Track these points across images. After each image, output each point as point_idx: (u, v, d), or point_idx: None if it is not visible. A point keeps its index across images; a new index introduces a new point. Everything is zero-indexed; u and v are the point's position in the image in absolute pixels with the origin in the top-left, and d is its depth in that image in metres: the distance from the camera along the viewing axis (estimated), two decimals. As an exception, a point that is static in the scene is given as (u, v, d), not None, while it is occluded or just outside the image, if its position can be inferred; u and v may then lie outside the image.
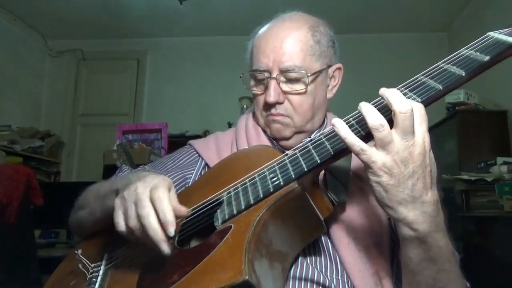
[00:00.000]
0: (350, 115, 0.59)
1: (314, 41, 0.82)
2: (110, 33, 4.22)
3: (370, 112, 0.52)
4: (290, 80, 0.81)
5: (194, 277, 0.53)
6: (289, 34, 0.81)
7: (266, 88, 0.81)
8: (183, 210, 0.59)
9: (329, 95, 0.89)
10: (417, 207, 0.53)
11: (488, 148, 2.76)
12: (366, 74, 3.73)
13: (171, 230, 0.56)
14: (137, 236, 0.59)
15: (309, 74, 0.80)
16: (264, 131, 0.88)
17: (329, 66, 0.85)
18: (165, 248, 0.56)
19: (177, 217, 0.58)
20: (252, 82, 0.86)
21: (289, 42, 0.80)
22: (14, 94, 3.88)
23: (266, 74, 0.81)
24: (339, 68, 0.89)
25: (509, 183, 2.15)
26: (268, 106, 0.82)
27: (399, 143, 0.51)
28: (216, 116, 3.92)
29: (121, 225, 0.60)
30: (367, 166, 0.53)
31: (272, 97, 0.80)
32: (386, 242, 0.71)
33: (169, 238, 0.56)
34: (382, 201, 0.54)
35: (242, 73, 0.87)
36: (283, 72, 0.80)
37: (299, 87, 0.81)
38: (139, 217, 0.57)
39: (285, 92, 0.81)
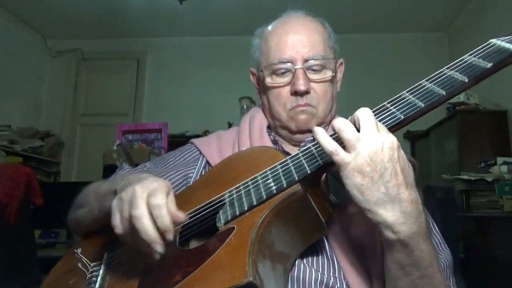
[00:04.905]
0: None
1: (327, 34, 0.86)
2: (110, 33, 4.22)
3: (335, 120, 0.56)
4: (314, 70, 0.82)
5: (197, 278, 0.53)
6: (308, 26, 0.84)
7: (293, 78, 0.81)
8: (181, 216, 0.58)
9: (338, 89, 0.91)
10: (395, 207, 0.52)
11: (488, 148, 2.76)
12: (366, 74, 3.73)
13: (170, 237, 0.55)
14: (129, 238, 0.58)
15: (334, 60, 0.83)
16: (269, 133, 0.87)
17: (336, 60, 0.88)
18: (159, 248, 0.55)
19: (175, 223, 0.57)
20: (271, 77, 0.84)
21: (310, 33, 0.82)
22: (14, 94, 3.88)
23: (290, 65, 0.81)
24: (342, 63, 0.91)
25: (509, 183, 2.15)
26: (294, 98, 0.82)
27: (366, 140, 0.52)
28: (216, 116, 3.92)
29: (118, 227, 0.58)
30: (340, 169, 0.54)
31: (303, 85, 0.80)
32: (379, 243, 0.71)
33: (164, 241, 0.56)
34: (360, 205, 0.54)
35: (262, 68, 0.85)
36: (307, 61, 0.81)
37: (326, 74, 0.83)
38: (131, 218, 0.56)
39: (311, 81, 0.82)
